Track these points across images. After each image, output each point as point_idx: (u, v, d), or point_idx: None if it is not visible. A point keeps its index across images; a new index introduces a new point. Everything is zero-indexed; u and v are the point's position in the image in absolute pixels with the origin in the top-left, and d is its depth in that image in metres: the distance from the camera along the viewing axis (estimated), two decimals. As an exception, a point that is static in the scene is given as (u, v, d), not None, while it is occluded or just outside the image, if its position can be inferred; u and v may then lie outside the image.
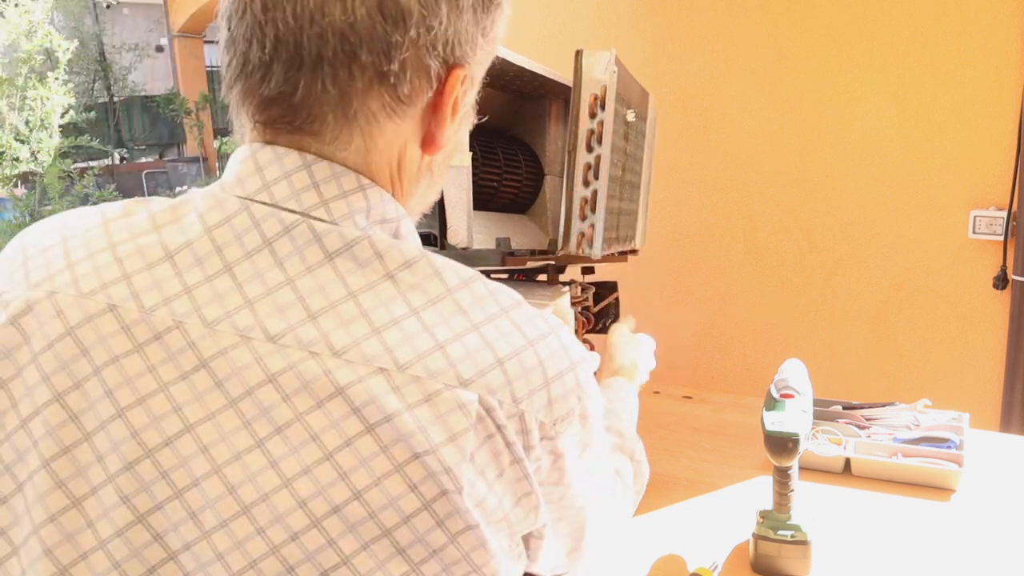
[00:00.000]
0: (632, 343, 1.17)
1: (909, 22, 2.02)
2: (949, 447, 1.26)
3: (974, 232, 2.00)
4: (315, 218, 0.54)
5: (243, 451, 0.50)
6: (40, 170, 6.88)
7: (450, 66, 0.57)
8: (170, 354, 0.51)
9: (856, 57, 2.10)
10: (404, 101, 0.56)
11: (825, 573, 1.00)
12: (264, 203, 0.54)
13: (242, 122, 0.58)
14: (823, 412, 1.40)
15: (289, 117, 0.55)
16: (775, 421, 0.98)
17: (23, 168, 6.79)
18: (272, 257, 0.53)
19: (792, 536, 0.98)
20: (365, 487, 0.50)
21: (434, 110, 0.58)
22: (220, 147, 5.05)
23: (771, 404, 1.00)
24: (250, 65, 0.54)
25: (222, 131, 5.38)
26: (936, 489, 1.19)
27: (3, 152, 6.28)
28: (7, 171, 6.55)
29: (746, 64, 2.27)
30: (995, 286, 2.00)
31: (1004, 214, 1.95)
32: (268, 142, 0.56)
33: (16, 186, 6.85)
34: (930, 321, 2.11)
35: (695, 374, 2.50)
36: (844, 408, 1.43)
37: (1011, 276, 1.96)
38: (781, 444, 0.96)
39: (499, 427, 0.53)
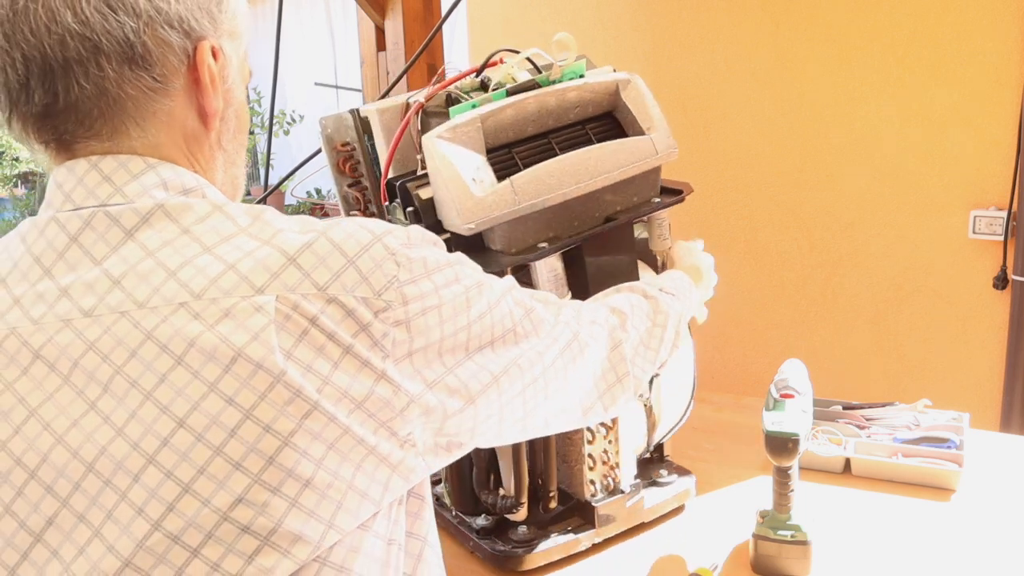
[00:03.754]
0: (695, 252, 1.20)
1: (909, 22, 2.02)
2: (949, 447, 1.26)
3: (974, 232, 2.00)
4: (111, 204, 0.59)
5: (79, 417, 0.54)
6: (40, 170, 6.84)
7: (194, 40, 0.62)
8: (9, 358, 0.57)
9: (856, 57, 2.10)
10: (161, 81, 0.61)
11: (825, 573, 1.00)
12: (67, 210, 0.60)
13: (35, 149, 0.64)
14: (823, 412, 1.39)
15: (64, 125, 0.61)
16: (775, 421, 0.98)
17: (23, 168, 6.79)
18: (80, 250, 0.58)
19: (792, 536, 0.98)
20: (185, 414, 0.52)
21: (196, 85, 0.64)
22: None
23: (771, 404, 1.00)
24: (13, 92, 0.60)
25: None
26: (936, 489, 1.19)
27: (3, 152, 6.28)
28: (7, 171, 6.54)
29: (746, 64, 2.27)
30: (995, 286, 2.00)
31: (1004, 214, 1.95)
32: (61, 162, 0.62)
33: (16, 186, 6.83)
34: (930, 321, 2.11)
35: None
36: (844, 408, 1.42)
37: (1011, 276, 1.96)
38: (781, 444, 0.96)
39: (312, 320, 0.55)
